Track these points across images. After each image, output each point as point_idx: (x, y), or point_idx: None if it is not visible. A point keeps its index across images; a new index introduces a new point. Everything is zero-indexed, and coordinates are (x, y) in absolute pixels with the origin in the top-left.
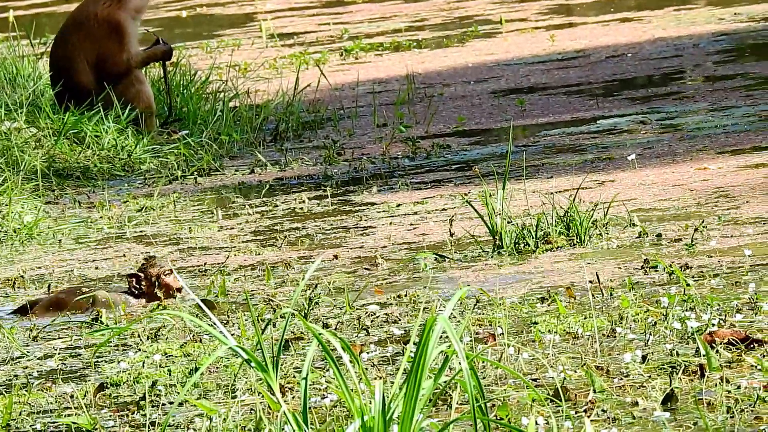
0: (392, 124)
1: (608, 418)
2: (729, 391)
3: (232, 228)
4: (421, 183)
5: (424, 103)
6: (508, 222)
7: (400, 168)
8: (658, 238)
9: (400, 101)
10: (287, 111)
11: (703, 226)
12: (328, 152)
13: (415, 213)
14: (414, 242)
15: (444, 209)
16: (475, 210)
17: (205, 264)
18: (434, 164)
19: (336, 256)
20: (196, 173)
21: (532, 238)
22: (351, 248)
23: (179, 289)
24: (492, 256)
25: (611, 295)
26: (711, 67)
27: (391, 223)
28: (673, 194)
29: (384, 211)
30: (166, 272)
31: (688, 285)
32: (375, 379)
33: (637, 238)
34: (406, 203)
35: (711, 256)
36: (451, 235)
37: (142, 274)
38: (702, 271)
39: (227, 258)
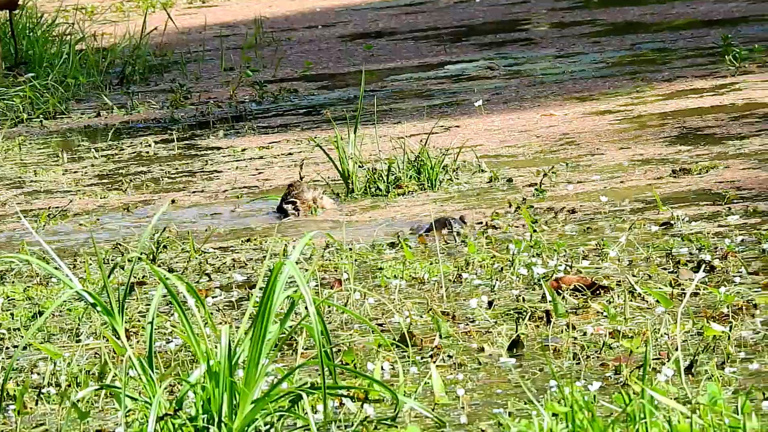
0: (239, 68)
1: (454, 363)
2: (575, 338)
3: (77, 171)
4: (268, 127)
5: (272, 48)
6: (360, 166)
7: (246, 112)
8: (509, 183)
9: (248, 45)
10: (134, 54)
11: (553, 172)
12: (175, 96)
13: (261, 157)
14: (257, 187)
15: (290, 154)
16: (327, 154)
17: (49, 207)
18: (281, 108)
19: (173, 201)
20: (41, 116)
21: (384, 182)
22: (193, 192)
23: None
24: (343, 200)
25: (464, 242)
26: (559, 13)
27: (237, 167)
28: (519, 140)
29: (230, 155)
30: (321, 196)
31: (534, 231)
32: (221, 323)
33: (488, 183)
34: (252, 147)
35: (558, 202)
36: (301, 178)
37: (298, 200)
38: (553, 217)
39: (70, 201)
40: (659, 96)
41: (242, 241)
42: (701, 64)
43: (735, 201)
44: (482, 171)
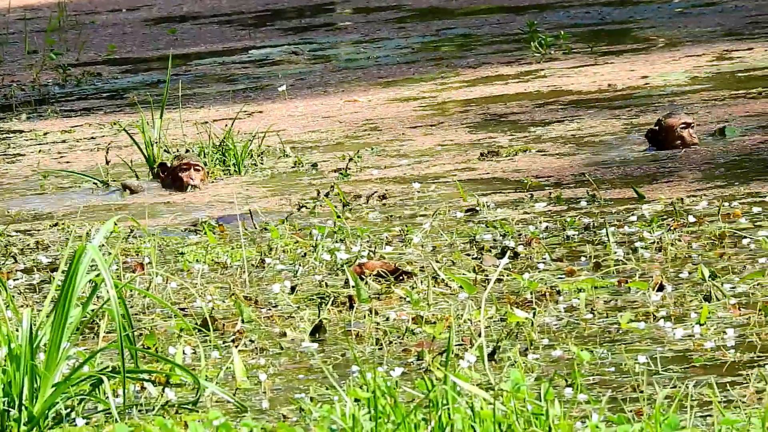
0: (43, 51)
1: (256, 348)
2: (378, 323)
3: None
4: (71, 111)
5: (76, 31)
6: (165, 151)
7: (50, 96)
8: (315, 168)
9: (51, 28)
10: None
11: (359, 157)
12: None
13: (64, 141)
14: (61, 170)
15: (93, 138)
16: (132, 138)
17: None
18: (85, 92)
19: None
20: None
21: None
22: None
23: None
24: (150, 185)
25: (266, 228)
26: None
27: (40, 151)
28: (323, 126)
29: (32, 138)
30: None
31: (338, 217)
32: (22, 306)
33: (292, 168)
34: (55, 131)
35: (364, 188)
36: (107, 162)
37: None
38: (361, 204)
39: None
40: (464, 82)
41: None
42: (507, 50)
43: (537, 188)
44: (287, 156)
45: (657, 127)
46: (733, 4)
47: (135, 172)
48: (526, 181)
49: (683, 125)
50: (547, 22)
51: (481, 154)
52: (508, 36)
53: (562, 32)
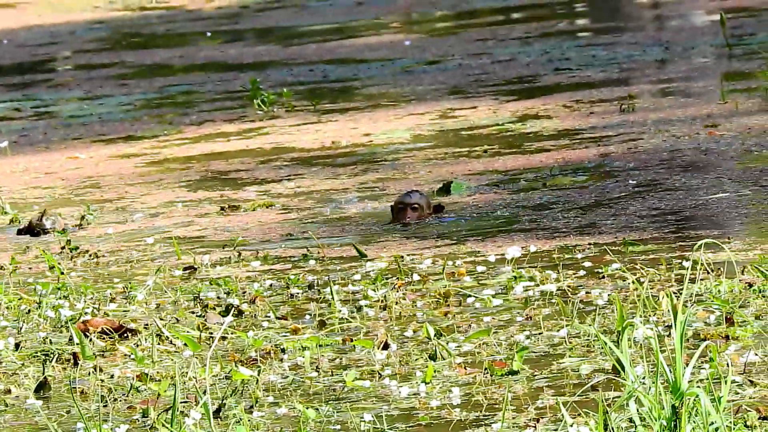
0: None
1: None
2: (102, 380)
3: None
4: None
5: None
6: None
7: None
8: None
9: None
10: None
11: (92, 213)
12: None
13: None
14: None
15: None
16: None
17: None
18: None
19: None
20: None
21: None
22: None
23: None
24: None
25: None
26: (87, 54)
27: None
28: (44, 182)
29: None
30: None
31: (62, 273)
32: None
33: (9, 224)
34: None
35: (87, 245)
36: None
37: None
38: (83, 261)
39: None
40: (186, 139)
41: None
42: (230, 107)
43: (247, 246)
44: (5, 213)
45: (391, 205)
46: (457, 62)
47: None
48: (235, 240)
49: (413, 207)
50: (270, 80)
51: (222, 208)
52: (231, 93)
53: (285, 90)
